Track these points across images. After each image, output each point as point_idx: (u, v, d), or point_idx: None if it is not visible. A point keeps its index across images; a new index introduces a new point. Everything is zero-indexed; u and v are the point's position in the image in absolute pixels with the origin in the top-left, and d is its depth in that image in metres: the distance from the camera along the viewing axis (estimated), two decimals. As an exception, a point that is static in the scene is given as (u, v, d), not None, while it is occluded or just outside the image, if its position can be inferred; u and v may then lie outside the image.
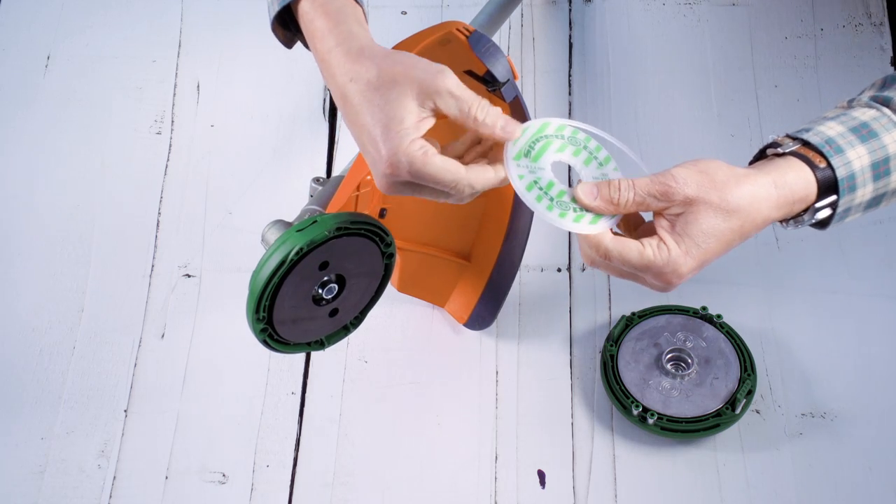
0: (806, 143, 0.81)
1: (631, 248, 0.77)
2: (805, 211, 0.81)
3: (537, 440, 1.05)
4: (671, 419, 1.01)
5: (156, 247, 1.17)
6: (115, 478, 1.03)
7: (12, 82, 1.28)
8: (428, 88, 0.74)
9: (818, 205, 0.80)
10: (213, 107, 1.26)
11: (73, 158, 1.22)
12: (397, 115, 0.73)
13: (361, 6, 0.81)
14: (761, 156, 0.84)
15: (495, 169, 0.77)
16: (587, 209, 0.78)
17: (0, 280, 1.14)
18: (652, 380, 1.03)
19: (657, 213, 0.79)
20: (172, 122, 1.25)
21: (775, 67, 1.26)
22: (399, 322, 1.11)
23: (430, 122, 0.75)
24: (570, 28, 1.30)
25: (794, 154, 0.80)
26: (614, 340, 1.06)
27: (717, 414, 1.01)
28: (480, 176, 0.76)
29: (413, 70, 0.74)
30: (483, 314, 1.08)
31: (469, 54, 0.86)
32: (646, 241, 0.77)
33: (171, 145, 1.23)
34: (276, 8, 0.80)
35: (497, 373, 1.09)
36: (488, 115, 0.76)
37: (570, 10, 1.31)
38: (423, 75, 0.74)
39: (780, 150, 0.81)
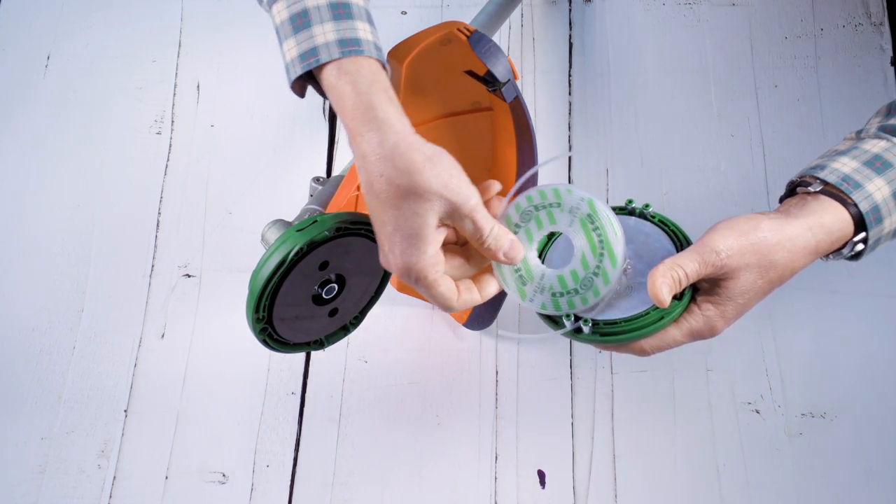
0: (826, 183, 0.82)
1: (668, 339, 0.80)
2: (843, 246, 0.82)
3: (537, 440, 1.05)
4: (608, 323, 0.81)
5: (156, 247, 1.17)
6: (115, 478, 1.03)
7: (12, 82, 1.28)
8: (455, 211, 0.76)
9: (856, 238, 0.82)
10: (213, 107, 1.26)
11: (73, 158, 1.22)
12: (421, 230, 0.75)
13: (384, 66, 0.80)
14: (791, 192, 0.85)
15: (480, 291, 0.81)
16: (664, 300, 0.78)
17: (0, 280, 1.14)
18: None
19: None
20: (172, 122, 1.25)
21: (775, 67, 1.26)
22: (399, 322, 1.11)
23: (445, 234, 0.77)
24: (570, 28, 1.30)
25: (824, 193, 0.81)
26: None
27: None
28: (467, 300, 0.80)
29: (445, 190, 0.75)
30: (483, 314, 1.08)
31: (469, 54, 0.85)
32: (682, 320, 0.80)
33: (171, 145, 1.23)
34: (298, 71, 0.78)
35: (497, 373, 1.09)
36: (497, 240, 0.79)
37: (570, 10, 1.31)
38: (454, 198, 0.75)
39: (810, 189, 0.82)
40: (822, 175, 0.81)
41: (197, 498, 1.02)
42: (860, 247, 0.82)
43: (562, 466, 1.03)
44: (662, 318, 0.79)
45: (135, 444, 1.05)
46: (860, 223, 0.81)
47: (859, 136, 0.86)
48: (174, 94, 1.27)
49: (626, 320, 0.79)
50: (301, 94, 0.81)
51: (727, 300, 0.79)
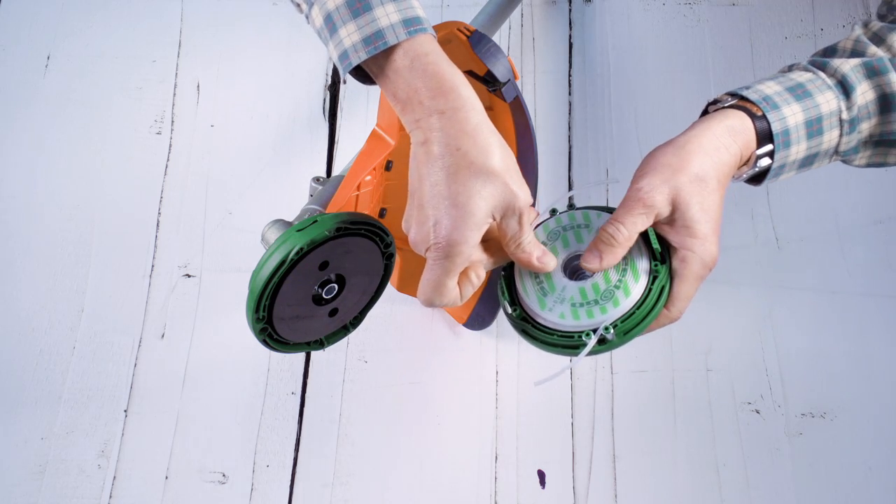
0: (744, 99, 0.84)
1: (683, 295, 0.81)
2: (748, 160, 0.83)
3: (537, 440, 1.05)
4: (625, 318, 0.80)
5: (156, 247, 1.17)
6: (115, 478, 1.03)
7: (12, 82, 1.28)
8: (510, 205, 0.77)
9: (759, 152, 0.83)
10: (213, 107, 1.26)
11: (73, 158, 1.22)
12: (477, 211, 0.76)
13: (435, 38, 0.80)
14: (705, 114, 0.86)
15: (461, 291, 0.81)
16: (600, 271, 0.79)
17: (0, 280, 1.14)
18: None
19: (657, 224, 0.81)
20: (172, 122, 1.25)
21: (775, 67, 1.26)
22: (399, 322, 1.11)
23: (487, 227, 0.78)
24: (570, 28, 1.30)
25: (733, 107, 0.83)
26: (511, 300, 0.85)
27: (654, 277, 0.81)
28: (454, 298, 0.81)
29: (510, 179, 0.77)
30: (483, 314, 1.08)
31: (470, 54, 0.85)
32: (677, 268, 0.80)
33: (171, 145, 1.23)
34: (362, 56, 0.77)
35: (497, 373, 1.09)
36: (531, 246, 0.80)
37: (570, 10, 1.31)
38: (516, 190, 0.77)
39: (720, 105, 0.84)
40: (745, 93, 0.83)
41: (197, 498, 1.02)
42: (766, 161, 0.83)
43: (562, 466, 1.03)
44: (664, 287, 0.80)
45: (135, 444, 1.05)
46: (765, 139, 0.82)
47: (791, 68, 0.88)
48: (174, 94, 1.27)
49: (637, 306, 0.80)
50: (343, 80, 0.81)
51: (698, 223, 0.79)
